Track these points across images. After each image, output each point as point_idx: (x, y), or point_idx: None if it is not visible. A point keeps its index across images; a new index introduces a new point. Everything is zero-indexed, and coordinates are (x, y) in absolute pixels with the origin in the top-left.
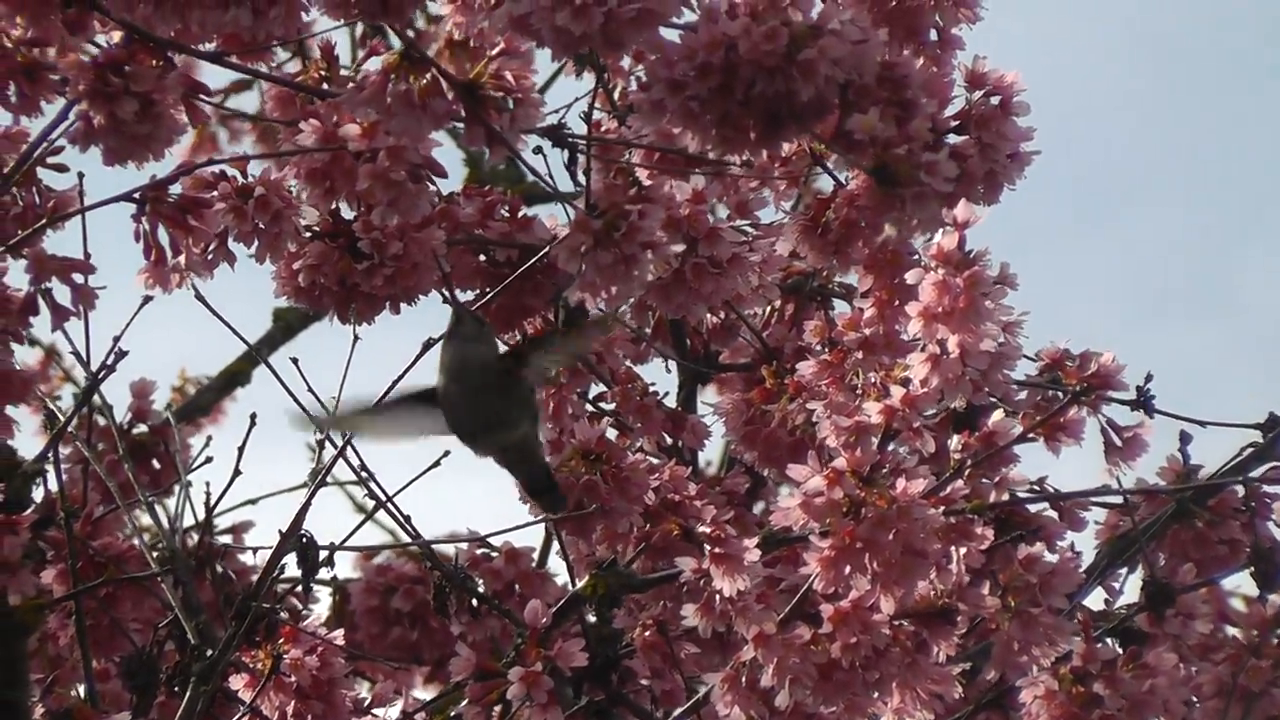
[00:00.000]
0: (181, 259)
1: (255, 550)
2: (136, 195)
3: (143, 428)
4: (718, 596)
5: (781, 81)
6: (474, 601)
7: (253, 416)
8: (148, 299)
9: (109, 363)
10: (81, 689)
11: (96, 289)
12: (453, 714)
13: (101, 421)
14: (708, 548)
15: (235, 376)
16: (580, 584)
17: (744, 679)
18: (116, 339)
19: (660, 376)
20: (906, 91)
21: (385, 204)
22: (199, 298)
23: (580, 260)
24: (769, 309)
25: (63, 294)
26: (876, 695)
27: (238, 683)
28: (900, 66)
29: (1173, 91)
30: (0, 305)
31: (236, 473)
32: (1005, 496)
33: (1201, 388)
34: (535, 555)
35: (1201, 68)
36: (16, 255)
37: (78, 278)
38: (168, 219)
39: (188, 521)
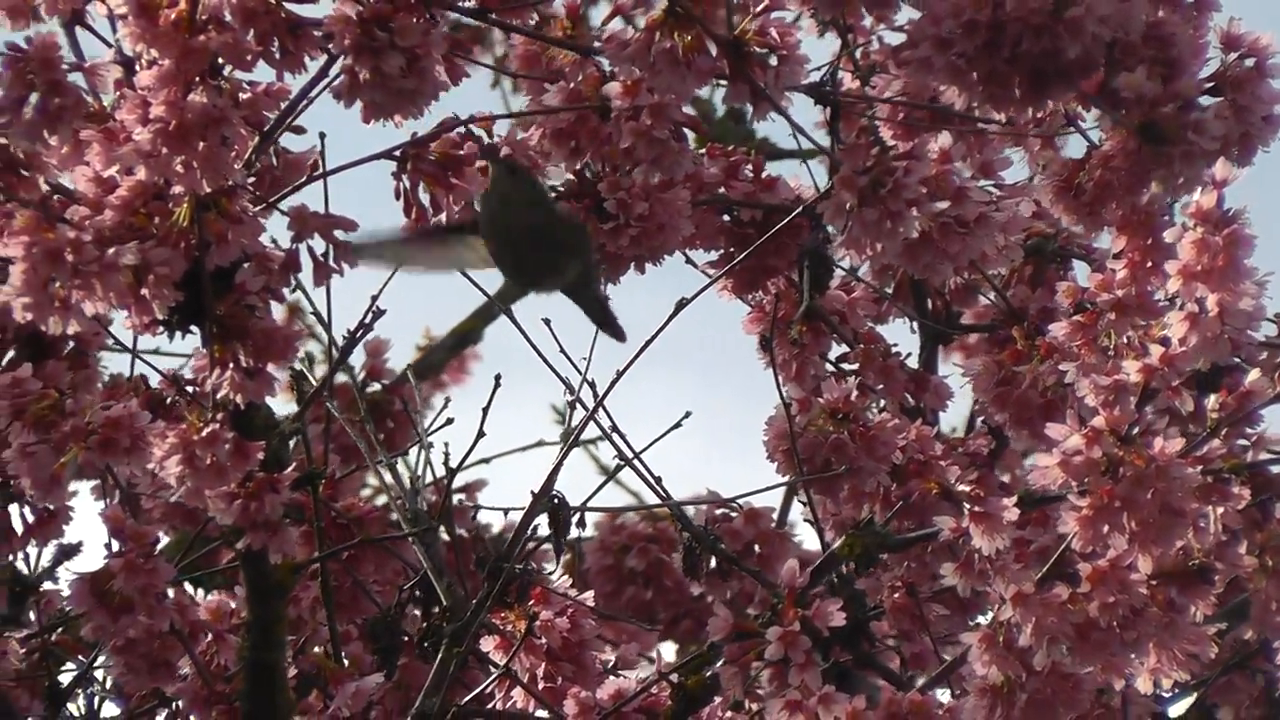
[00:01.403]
0: (443, 217)
1: (506, 511)
2: (397, 152)
3: (377, 386)
4: (976, 555)
5: (1048, 39)
6: (718, 562)
7: (497, 378)
8: None
9: (366, 321)
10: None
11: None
12: (708, 673)
13: (337, 380)
14: (967, 506)
15: (466, 335)
16: (836, 544)
17: (1001, 639)
18: (375, 298)
19: (902, 337)
20: (1172, 50)
21: (648, 162)
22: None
23: (846, 217)
24: (1010, 270)
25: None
26: (1133, 655)
27: (488, 644)
28: (1166, 25)
29: None
30: (261, 263)
31: (480, 434)
32: (1263, 456)
33: None
34: (775, 515)
35: None
36: (274, 212)
37: (340, 234)
38: (429, 176)
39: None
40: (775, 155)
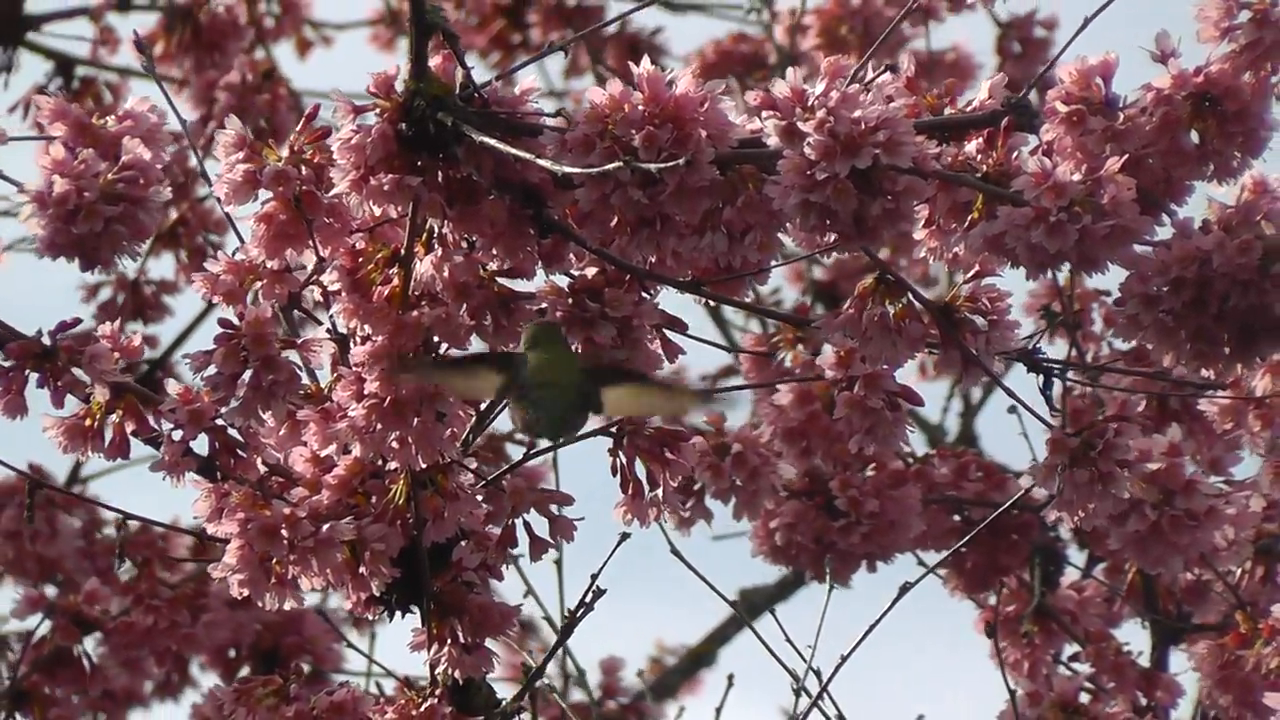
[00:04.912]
0: (659, 492)
1: None
2: (613, 429)
3: (613, 704)
4: None
5: (1255, 294)
6: None
7: (730, 677)
8: (625, 535)
9: (587, 600)
10: None
11: (574, 520)
12: None
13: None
14: None
15: (701, 658)
16: None
17: None
18: (594, 576)
19: (1134, 636)
20: None
21: (862, 433)
22: (675, 552)
23: (1057, 480)
24: (1240, 571)
25: (540, 526)
26: None
27: None
28: None
29: None
30: (479, 540)
31: None
32: None
33: None
34: None
35: None
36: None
37: (555, 509)
38: (644, 452)
39: None
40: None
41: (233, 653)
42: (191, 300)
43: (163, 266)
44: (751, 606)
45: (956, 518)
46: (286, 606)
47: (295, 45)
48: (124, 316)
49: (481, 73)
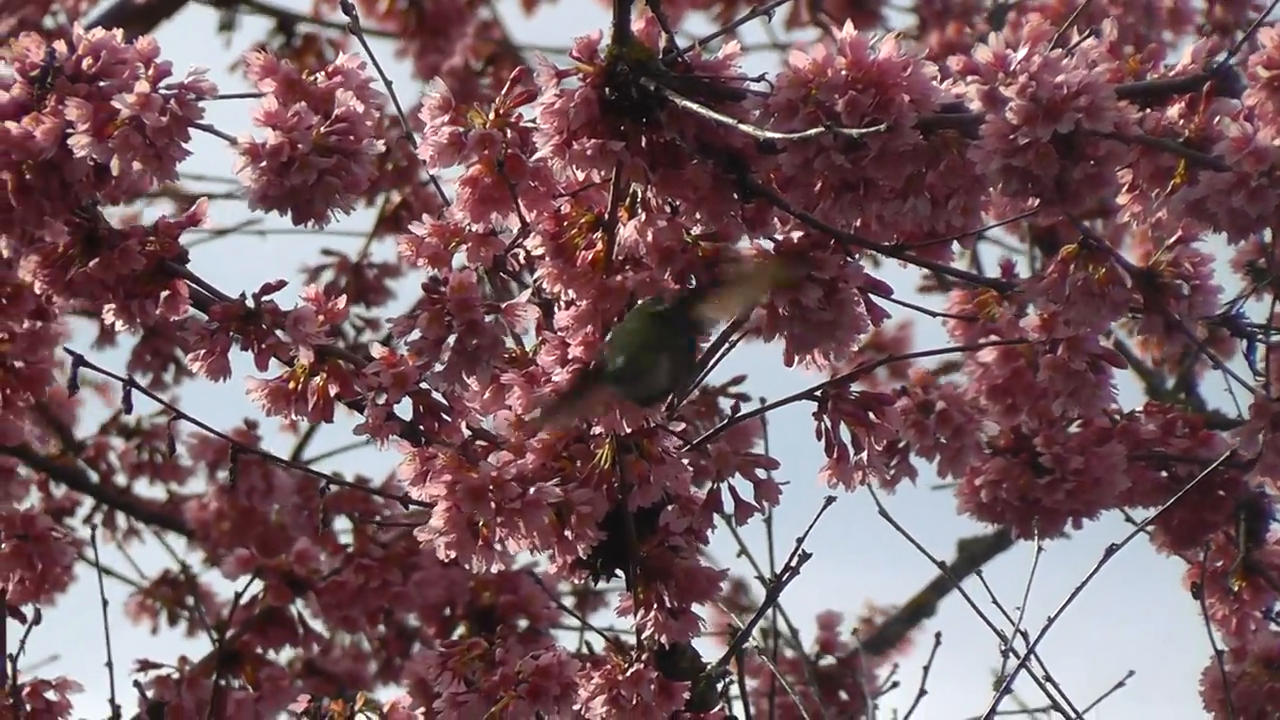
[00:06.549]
0: (864, 456)
1: None
2: (818, 393)
3: (830, 659)
4: None
5: None
6: None
7: (937, 635)
8: (830, 499)
9: (792, 564)
10: None
11: (780, 484)
12: None
13: (789, 653)
14: None
15: (920, 608)
16: None
17: None
18: (800, 540)
19: None
20: None
21: (1065, 395)
22: (883, 514)
23: (1260, 444)
24: None
25: (746, 490)
26: None
27: None
28: None
29: None
30: (684, 504)
31: (922, 692)
32: None
33: None
34: None
35: None
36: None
37: (760, 473)
38: (849, 416)
39: None
40: (1222, 425)
41: (448, 611)
42: (414, 285)
43: (385, 250)
44: (970, 558)
45: (1163, 474)
46: (494, 570)
47: (521, 1)
48: (346, 300)
49: (703, 25)
